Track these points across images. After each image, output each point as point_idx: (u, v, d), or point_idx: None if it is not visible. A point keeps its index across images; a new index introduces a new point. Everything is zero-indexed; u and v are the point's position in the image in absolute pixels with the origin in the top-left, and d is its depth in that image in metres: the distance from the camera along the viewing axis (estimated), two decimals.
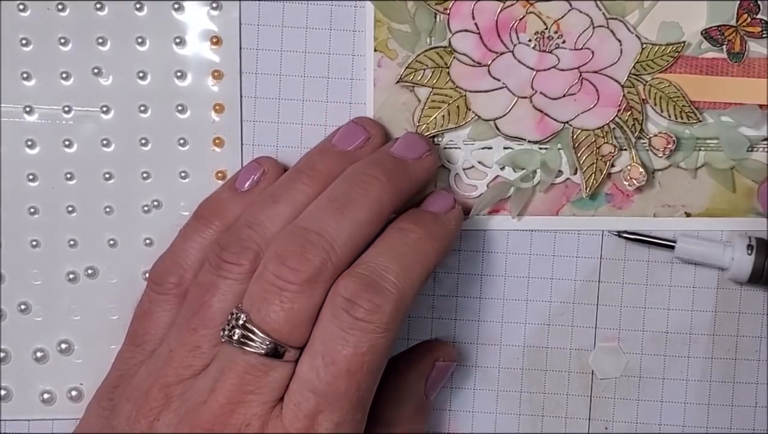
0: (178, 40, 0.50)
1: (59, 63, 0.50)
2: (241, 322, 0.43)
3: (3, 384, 0.51)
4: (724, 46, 0.49)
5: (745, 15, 0.49)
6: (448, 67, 0.50)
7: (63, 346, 0.51)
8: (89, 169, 0.51)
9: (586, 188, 0.50)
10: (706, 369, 0.51)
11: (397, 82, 0.50)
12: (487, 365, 0.52)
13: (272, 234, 0.45)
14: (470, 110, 0.50)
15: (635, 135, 0.50)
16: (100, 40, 0.50)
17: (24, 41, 0.50)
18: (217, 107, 0.51)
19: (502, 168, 0.51)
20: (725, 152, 0.50)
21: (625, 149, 0.50)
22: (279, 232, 0.45)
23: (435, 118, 0.50)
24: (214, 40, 0.50)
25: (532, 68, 0.49)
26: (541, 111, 0.50)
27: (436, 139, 0.50)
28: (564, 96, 0.50)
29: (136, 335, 0.48)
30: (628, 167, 0.50)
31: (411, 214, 0.47)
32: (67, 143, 0.50)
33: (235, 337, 0.43)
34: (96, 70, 0.50)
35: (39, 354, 0.51)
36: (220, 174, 0.51)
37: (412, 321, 0.52)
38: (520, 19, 0.49)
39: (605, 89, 0.49)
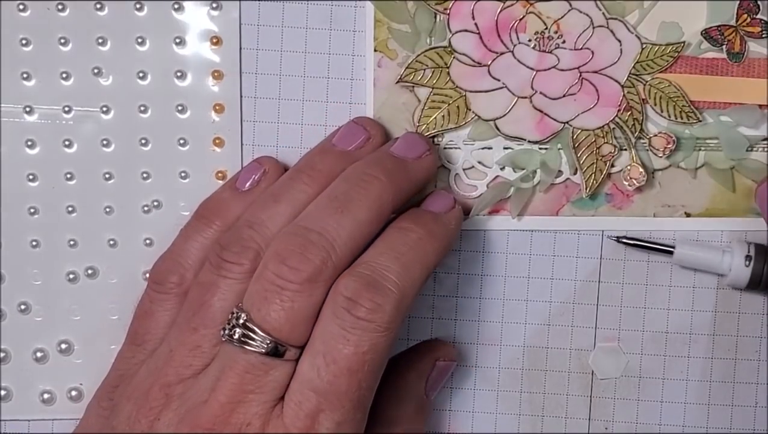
0: (178, 40, 0.50)
1: (59, 63, 0.50)
2: (241, 321, 0.43)
3: (3, 384, 0.51)
4: (723, 46, 0.49)
5: (745, 15, 0.49)
6: (448, 67, 0.50)
7: (63, 346, 0.51)
8: (89, 169, 0.50)
9: (586, 188, 0.50)
10: (706, 369, 0.51)
11: (397, 82, 0.50)
12: (487, 365, 0.52)
13: (273, 234, 0.45)
14: (470, 110, 0.50)
15: (635, 135, 0.50)
16: (100, 40, 0.50)
17: (24, 41, 0.50)
18: (217, 107, 0.51)
19: (502, 168, 0.51)
20: (725, 151, 0.50)
21: (625, 149, 0.50)
22: (279, 232, 0.45)
23: (435, 118, 0.50)
24: (214, 40, 0.50)
25: (532, 68, 0.49)
26: (541, 111, 0.50)
27: (436, 139, 0.50)
28: (564, 96, 0.50)
29: (136, 334, 0.48)
30: (628, 167, 0.50)
31: (411, 214, 0.47)
32: (67, 143, 0.50)
33: (236, 336, 0.43)
34: (96, 70, 0.50)
35: (39, 354, 0.51)
36: (220, 174, 0.51)
37: (412, 321, 0.52)
38: (520, 19, 0.49)
39: (605, 89, 0.49)
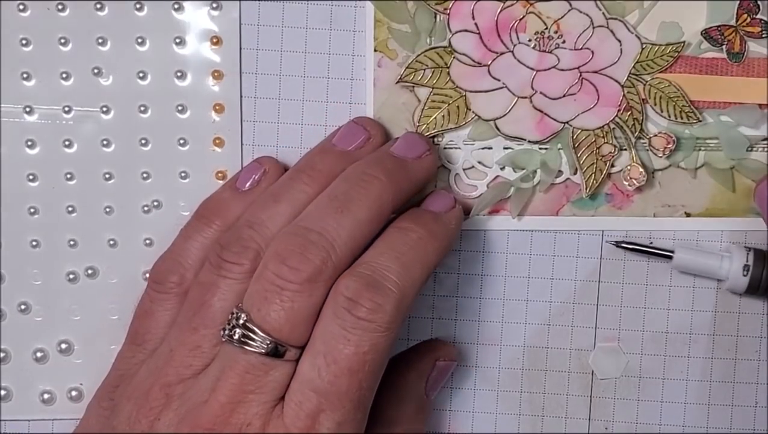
0: (178, 40, 0.50)
1: (59, 63, 0.50)
2: (241, 322, 0.43)
3: (3, 384, 0.51)
4: (723, 46, 0.49)
5: (745, 15, 0.49)
6: (448, 67, 0.50)
7: (63, 346, 0.51)
8: (89, 169, 0.50)
9: (586, 188, 0.50)
10: (706, 369, 0.51)
11: (397, 82, 0.50)
12: (487, 365, 0.52)
13: (273, 234, 0.45)
14: (470, 110, 0.50)
15: (635, 135, 0.50)
16: (100, 40, 0.50)
17: (24, 41, 0.50)
18: (217, 107, 0.51)
19: (502, 168, 0.51)
20: (725, 151, 0.50)
21: (625, 149, 0.50)
22: (280, 231, 0.45)
23: (435, 118, 0.50)
24: (214, 40, 0.50)
25: (532, 68, 0.49)
26: (541, 111, 0.50)
27: (436, 139, 0.50)
28: (564, 96, 0.50)
29: (136, 334, 0.48)
30: (628, 167, 0.50)
31: (411, 213, 0.47)
32: (67, 143, 0.50)
33: (236, 337, 0.43)
34: (96, 70, 0.50)
35: (39, 354, 0.51)
36: (220, 174, 0.51)
37: (412, 321, 0.52)
38: (520, 19, 0.49)
39: (605, 89, 0.49)
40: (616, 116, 0.50)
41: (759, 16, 0.49)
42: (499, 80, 0.50)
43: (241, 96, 0.51)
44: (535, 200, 0.51)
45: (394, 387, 0.48)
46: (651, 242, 0.51)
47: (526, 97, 0.50)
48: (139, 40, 0.50)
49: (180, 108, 0.50)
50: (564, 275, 0.51)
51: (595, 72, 0.49)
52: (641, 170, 0.50)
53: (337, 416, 0.42)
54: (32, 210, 0.50)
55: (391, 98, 0.50)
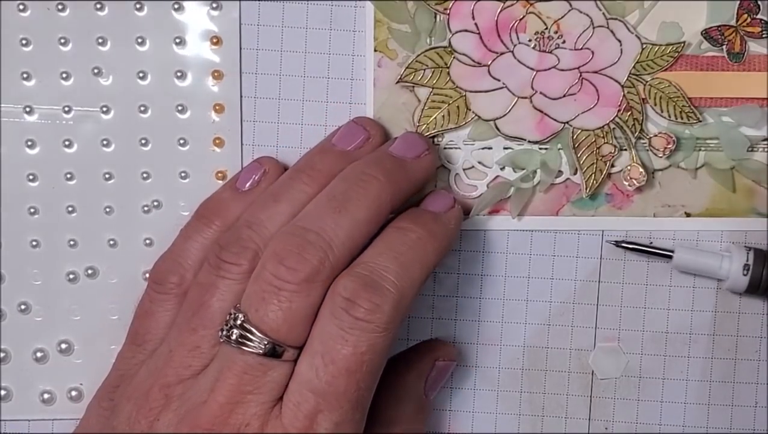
0: (178, 40, 0.50)
1: (59, 63, 0.50)
2: (239, 322, 0.43)
3: (3, 384, 0.51)
4: (724, 47, 0.49)
5: (745, 15, 0.49)
6: (448, 67, 0.50)
7: (63, 346, 0.51)
8: (89, 169, 0.51)
9: (586, 188, 0.50)
10: (706, 369, 0.51)
11: (397, 82, 0.50)
12: (487, 365, 0.52)
13: (272, 234, 0.45)
14: (470, 110, 0.50)
15: (635, 135, 0.50)
16: (100, 40, 0.50)
17: (24, 41, 0.50)
18: (217, 107, 0.51)
19: (502, 168, 0.51)
20: (725, 152, 0.50)
21: (625, 149, 0.50)
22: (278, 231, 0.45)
23: (435, 118, 0.50)
24: (214, 40, 0.50)
25: (532, 68, 0.49)
26: (541, 111, 0.50)
27: (436, 139, 0.50)
28: (564, 96, 0.50)
29: (136, 334, 0.48)
30: (628, 167, 0.50)
31: (410, 213, 0.47)
32: (67, 143, 0.50)
33: (234, 337, 0.43)
34: (96, 70, 0.50)
35: (39, 354, 0.51)
36: (220, 174, 0.51)
37: (412, 321, 0.52)
38: (520, 19, 0.49)
39: (605, 89, 0.49)
40: (616, 116, 0.50)
41: (759, 16, 0.49)
42: (499, 80, 0.50)
43: (241, 96, 0.51)
44: (535, 200, 0.51)
45: (393, 387, 0.48)
46: (651, 242, 0.51)
47: (526, 98, 0.50)
48: (139, 40, 0.50)
49: (180, 108, 0.50)
50: (564, 275, 0.51)
51: (595, 72, 0.49)
52: (641, 170, 0.50)
53: (335, 416, 0.42)
54: (32, 210, 0.50)
55: (391, 98, 0.50)
